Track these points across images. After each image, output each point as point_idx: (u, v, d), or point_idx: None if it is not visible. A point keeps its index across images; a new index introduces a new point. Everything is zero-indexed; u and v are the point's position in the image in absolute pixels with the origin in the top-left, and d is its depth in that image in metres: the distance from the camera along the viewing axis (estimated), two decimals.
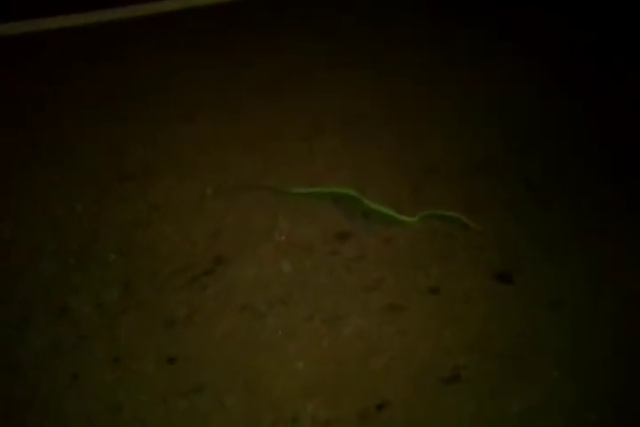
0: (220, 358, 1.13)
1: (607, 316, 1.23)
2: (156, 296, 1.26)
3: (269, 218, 1.49)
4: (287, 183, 1.60)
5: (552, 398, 1.07)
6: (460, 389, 1.08)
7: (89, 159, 1.73)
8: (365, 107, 2.01)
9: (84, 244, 1.40)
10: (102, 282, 1.29)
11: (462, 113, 1.97)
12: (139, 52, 2.38)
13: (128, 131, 1.85)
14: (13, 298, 1.26)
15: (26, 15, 2.50)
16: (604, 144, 1.77)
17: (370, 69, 2.24)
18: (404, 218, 1.47)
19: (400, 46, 2.41)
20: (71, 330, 1.18)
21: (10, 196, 1.57)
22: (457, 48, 2.40)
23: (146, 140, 1.81)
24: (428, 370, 1.11)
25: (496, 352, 1.15)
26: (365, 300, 1.26)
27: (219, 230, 1.45)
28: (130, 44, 2.44)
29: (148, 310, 1.23)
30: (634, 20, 2.43)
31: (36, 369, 1.10)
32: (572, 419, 1.04)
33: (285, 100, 2.03)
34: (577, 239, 1.42)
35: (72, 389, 1.07)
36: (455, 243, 1.42)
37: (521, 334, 1.18)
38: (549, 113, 1.94)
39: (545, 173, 1.66)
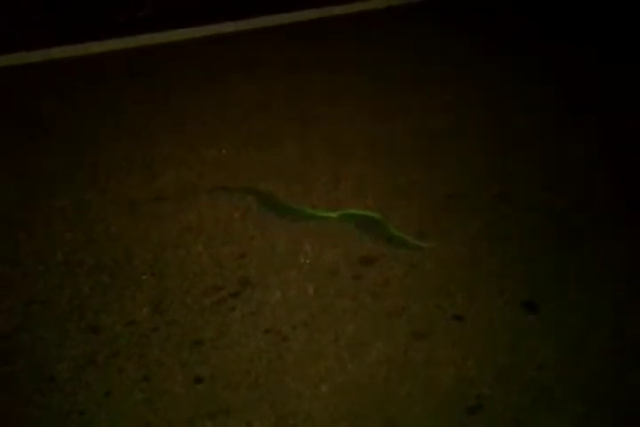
0: (247, 380, 1.15)
1: (635, 348, 1.22)
2: (185, 316, 1.30)
3: (294, 242, 1.53)
4: (313, 207, 1.64)
5: None
6: (484, 420, 1.08)
7: (125, 181, 1.80)
8: (392, 133, 2.05)
9: (118, 263, 1.45)
10: (134, 301, 1.34)
11: (492, 143, 1.99)
12: (170, 78, 2.47)
13: (163, 154, 1.92)
14: (53, 313, 1.31)
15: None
16: (636, 178, 1.77)
17: (398, 98, 2.28)
18: (423, 244, 1.49)
19: (430, 77, 2.45)
20: (104, 347, 1.22)
21: (49, 215, 1.64)
22: (486, 76, 2.43)
23: (180, 164, 1.88)
24: (452, 400, 1.11)
25: (521, 383, 1.14)
26: (389, 326, 1.27)
27: (245, 253, 1.49)
28: (158, 70, 2.54)
29: (177, 329, 1.26)
30: None
31: (72, 382, 1.14)
32: None
33: (313, 127, 2.09)
34: (604, 272, 1.42)
35: (105, 405, 1.10)
36: (481, 270, 1.42)
37: (546, 365, 1.18)
38: (581, 146, 1.94)
39: (574, 204, 1.66)
